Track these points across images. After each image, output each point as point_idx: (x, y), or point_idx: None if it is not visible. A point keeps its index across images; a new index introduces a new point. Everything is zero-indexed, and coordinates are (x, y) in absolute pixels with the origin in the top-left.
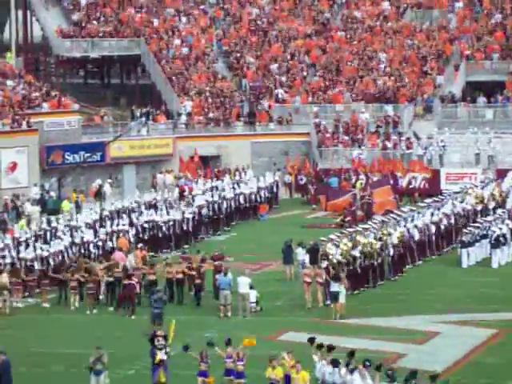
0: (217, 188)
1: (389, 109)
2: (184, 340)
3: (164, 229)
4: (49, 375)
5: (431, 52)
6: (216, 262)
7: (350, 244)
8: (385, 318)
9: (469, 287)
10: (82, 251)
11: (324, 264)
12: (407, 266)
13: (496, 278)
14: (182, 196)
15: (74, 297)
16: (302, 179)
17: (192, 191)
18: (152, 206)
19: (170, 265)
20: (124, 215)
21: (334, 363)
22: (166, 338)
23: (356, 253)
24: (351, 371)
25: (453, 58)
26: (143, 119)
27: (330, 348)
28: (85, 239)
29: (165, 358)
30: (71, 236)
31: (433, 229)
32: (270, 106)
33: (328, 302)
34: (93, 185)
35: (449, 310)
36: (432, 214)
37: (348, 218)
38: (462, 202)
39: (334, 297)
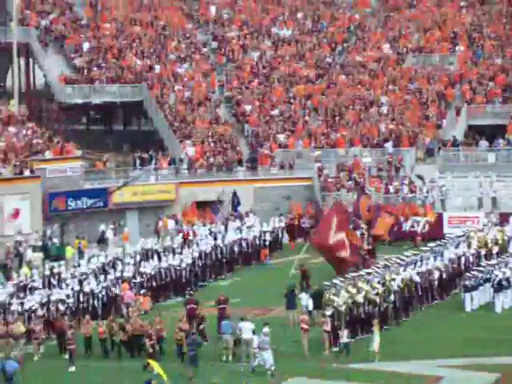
0: (219, 232)
1: (389, 146)
2: None
3: (168, 275)
4: None
5: (432, 96)
6: (220, 306)
7: (353, 290)
8: (388, 362)
9: (472, 331)
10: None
11: (329, 312)
12: (411, 312)
13: (499, 322)
14: (185, 241)
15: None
16: (304, 223)
17: (196, 236)
18: (156, 252)
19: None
20: (130, 262)
21: None
22: None
23: (359, 299)
24: None
25: (454, 102)
26: (152, 167)
27: None
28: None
29: None
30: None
31: (436, 274)
32: (271, 150)
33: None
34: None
35: (452, 355)
36: (435, 259)
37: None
38: (468, 247)
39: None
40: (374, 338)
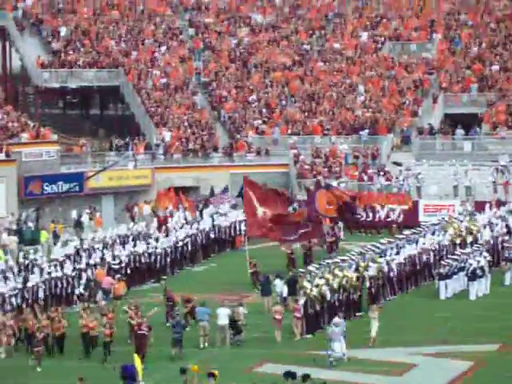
0: (195, 219)
1: (364, 133)
2: (161, 372)
3: (143, 260)
4: None
5: (409, 84)
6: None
7: (329, 276)
8: (362, 349)
9: (446, 319)
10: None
11: (302, 300)
12: (386, 299)
13: (473, 311)
14: (160, 227)
15: None
16: None
17: (167, 222)
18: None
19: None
20: (106, 247)
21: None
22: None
23: (334, 285)
24: None
25: (431, 90)
26: (130, 153)
27: (305, 377)
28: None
29: None
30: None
31: (411, 262)
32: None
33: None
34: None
35: (426, 342)
36: (410, 247)
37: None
38: (444, 234)
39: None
40: (373, 324)
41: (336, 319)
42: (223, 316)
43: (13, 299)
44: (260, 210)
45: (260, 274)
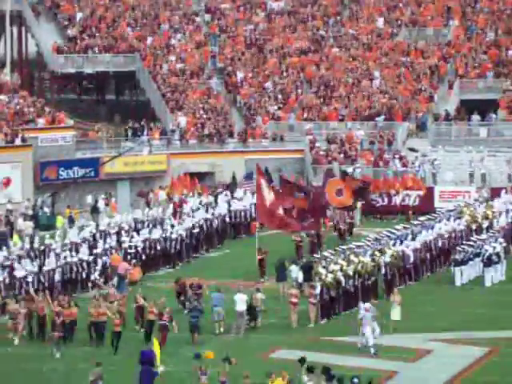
0: (210, 204)
1: (380, 119)
2: (178, 357)
3: (158, 246)
4: None
5: (425, 70)
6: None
7: (344, 262)
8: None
9: (462, 305)
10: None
11: (317, 288)
12: (402, 286)
13: (489, 297)
14: (175, 213)
15: None
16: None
17: (182, 207)
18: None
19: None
20: (123, 232)
21: (328, 376)
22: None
23: (349, 271)
24: None
25: (447, 76)
26: (145, 138)
27: (325, 370)
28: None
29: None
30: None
31: (426, 248)
32: (264, 122)
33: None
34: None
35: (441, 329)
36: (426, 233)
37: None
38: (458, 219)
39: None
40: (395, 308)
41: (367, 304)
42: (241, 302)
43: (29, 279)
44: (270, 197)
45: (265, 261)
